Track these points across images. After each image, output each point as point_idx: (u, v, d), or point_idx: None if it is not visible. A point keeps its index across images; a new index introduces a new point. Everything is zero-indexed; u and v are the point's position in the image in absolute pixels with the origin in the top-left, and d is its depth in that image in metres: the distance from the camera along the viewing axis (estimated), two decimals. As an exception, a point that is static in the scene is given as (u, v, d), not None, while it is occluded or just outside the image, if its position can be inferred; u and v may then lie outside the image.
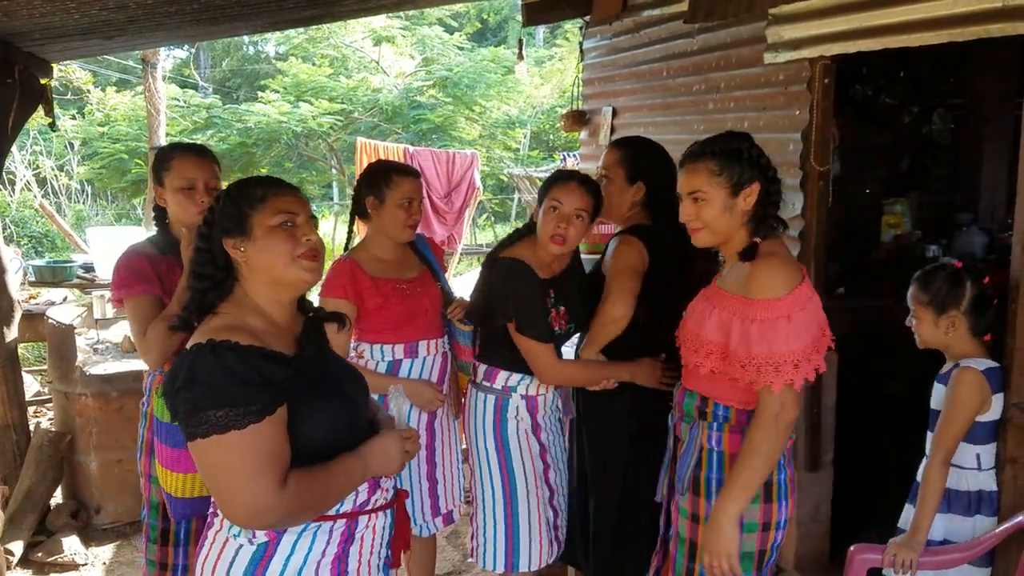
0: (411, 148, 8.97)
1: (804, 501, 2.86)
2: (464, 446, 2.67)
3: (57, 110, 4.44)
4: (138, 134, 11.78)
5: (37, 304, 4.89)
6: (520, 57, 6.00)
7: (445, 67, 13.61)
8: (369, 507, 1.61)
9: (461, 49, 14.87)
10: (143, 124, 10.51)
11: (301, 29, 13.38)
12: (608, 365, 2.43)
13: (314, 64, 13.87)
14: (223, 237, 1.55)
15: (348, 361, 2.06)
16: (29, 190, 12.05)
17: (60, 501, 3.99)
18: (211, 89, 16.74)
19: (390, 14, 13.74)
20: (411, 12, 14.80)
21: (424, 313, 2.64)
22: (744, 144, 1.92)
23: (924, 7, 2.45)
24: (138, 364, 3.74)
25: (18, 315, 4.05)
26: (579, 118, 4.88)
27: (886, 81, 4.76)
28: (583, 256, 2.69)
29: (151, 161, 3.74)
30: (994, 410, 2.23)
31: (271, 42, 19.65)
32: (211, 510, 1.60)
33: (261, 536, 1.51)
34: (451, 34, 15.70)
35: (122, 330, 4.31)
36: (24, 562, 3.58)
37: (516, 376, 2.47)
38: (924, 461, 2.31)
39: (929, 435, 2.30)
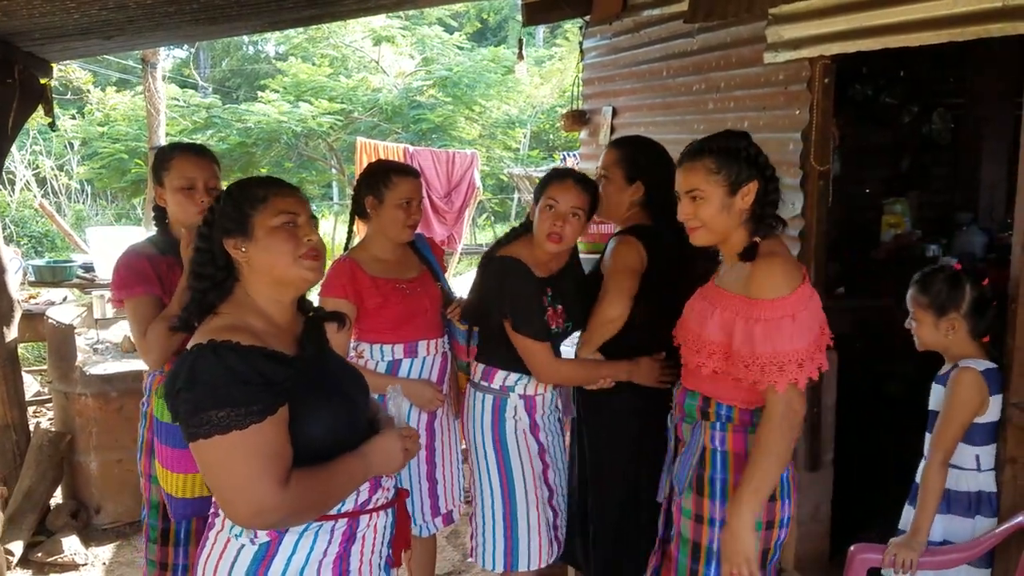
0: (411, 148, 8.97)
1: (804, 501, 2.86)
2: (464, 446, 2.67)
3: (57, 110, 4.44)
4: (138, 134, 11.78)
5: (37, 304, 4.89)
6: (520, 57, 6.00)
7: (445, 67, 13.61)
8: (370, 506, 1.62)
9: (461, 49, 14.86)
10: (143, 124, 10.50)
11: (301, 29, 13.38)
12: (606, 364, 2.43)
13: (314, 64, 13.86)
14: (224, 237, 1.56)
15: (348, 361, 2.06)
16: (29, 190, 12.05)
17: (60, 501, 3.99)
18: (211, 89, 16.73)
19: (390, 14, 13.74)
20: (411, 12, 14.80)
21: (424, 313, 2.64)
22: (742, 143, 1.92)
23: (924, 7, 2.45)
24: (138, 364, 3.74)
25: (18, 315, 4.05)
26: (579, 118, 4.88)
27: (886, 81, 4.76)
28: (583, 256, 2.69)
29: (151, 161, 3.74)
30: (991, 412, 2.23)
31: (271, 42, 19.66)
32: (212, 510, 1.60)
33: (263, 536, 1.51)
34: (451, 34, 15.70)
35: (122, 330, 4.31)
36: (24, 562, 3.58)
37: (514, 376, 2.47)
38: (923, 462, 2.31)
39: (928, 436, 2.31)
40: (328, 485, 1.49)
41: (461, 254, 9.46)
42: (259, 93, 13.44)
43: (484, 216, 13.96)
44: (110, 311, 4.45)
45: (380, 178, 2.60)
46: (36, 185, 12.31)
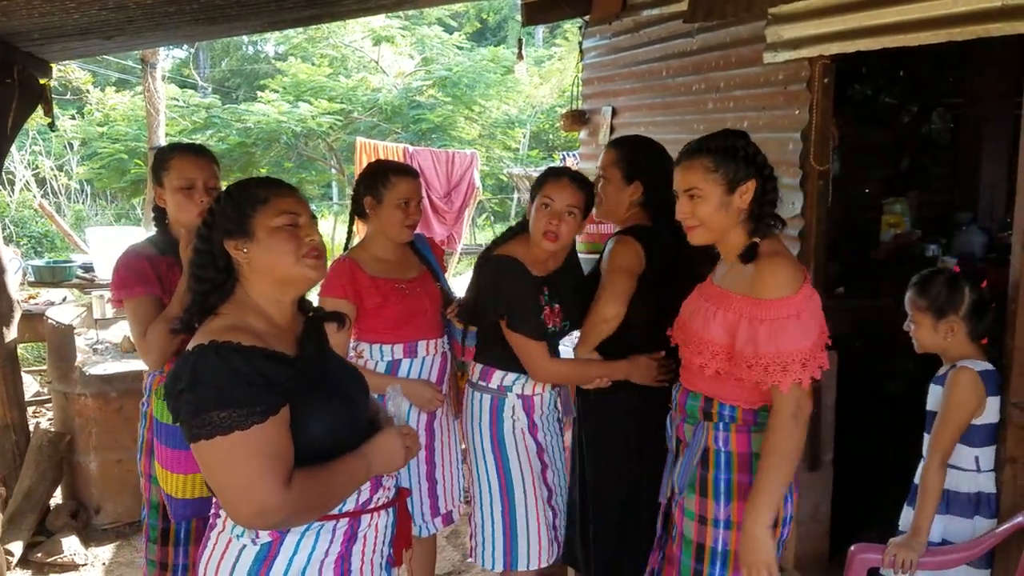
0: (411, 148, 8.97)
1: (804, 501, 2.86)
2: (464, 446, 2.67)
3: (56, 110, 4.44)
4: (137, 134, 11.77)
5: (37, 304, 4.89)
6: (519, 57, 6.01)
7: (444, 67, 13.60)
8: (371, 506, 1.62)
9: (460, 49, 14.86)
10: (142, 124, 10.49)
11: (300, 29, 13.37)
12: (602, 364, 2.43)
13: (313, 64, 13.85)
14: (224, 238, 1.55)
15: (348, 361, 2.06)
16: (28, 190, 12.04)
17: (60, 501, 3.99)
18: (210, 89, 16.71)
19: (389, 14, 13.73)
20: (410, 12, 14.80)
21: (423, 313, 2.64)
22: (740, 142, 1.92)
23: (923, 7, 2.45)
24: (138, 364, 3.74)
25: (18, 315, 4.05)
26: (578, 118, 4.88)
27: (885, 81, 4.77)
28: (583, 256, 2.69)
29: (150, 161, 3.74)
30: (990, 413, 2.23)
31: (270, 42, 19.65)
32: (213, 511, 1.60)
33: (264, 536, 1.51)
34: (450, 34, 15.69)
35: (121, 330, 4.31)
36: (24, 562, 3.58)
37: (512, 375, 2.47)
38: (922, 463, 2.31)
39: (926, 437, 2.31)
40: (330, 485, 1.49)
41: (461, 254, 9.46)
42: (259, 93, 13.43)
43: (484, 216, 13.96)
44: (110, 311, 4.44)
45: (379, 178, 2.60)
46: (36, 185, 12.30)
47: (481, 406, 2.50)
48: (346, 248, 2.73)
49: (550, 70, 15.45)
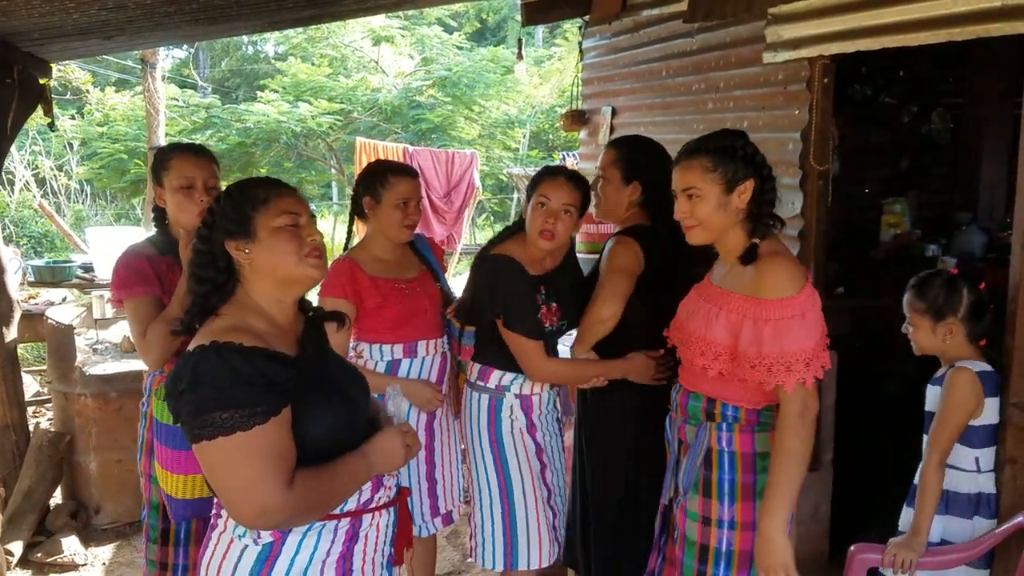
0: (410, 148, 8.96)
1: (804, 501, 2.86)
2: (463, 446, 2.67)
3: (56, 110, 4.44)
4: (137, 134, 11.76)
5: (36, 304, 4.90)
6: (519, 57, 6.01)
7: (444, 67, 13.59)
8: (373, 505, 1.62)
9: (460, 49, 14.85)
10: (142, 124, 10.48)
11: (300, 29, 13.37)
12: (599, 363, 2.43)
13: (313, 64, 13.84)
14: (225, 239, 1.55)
15: (348, 361, 2.06)
16: (28, 190, 12.03)
17: (59, 501, 3.99)
18: (210, 89, 16.71)
19: (389, 14, 13.73)
20: (410, 12, 14.79)
21: (423, 313, 2.64)
22: (739, 142, 1.92)
23: (923, 7, 2.45)
24: (138, 364, 3.74)
25: (17, 315, 4.05)
26: (578, 118, 4.88)
27: (885, 81, 4.77)
28: (583, 256, 2.69)
29: (150, 161, 3.73)
30: (989, 414, 2.23)
31: (270, 42, 19.64)
32: (214, 511, 1.60)
33: (266, 536, 1.51)
34: (450, 34, 15.68)
35: (121, 330, 4.31)
36: (23, 562, 3.58)
37: (509, 375, 2.46)
38: (921, 464, 2.31)
39: (925, 438, 2.31)
40: (331, 485, 1.50)
41: (461, 254, 9.45)
42: (258, 93, 13.43)
43: (484, 216, 13.96)
44: (109, 311, 4.44)
45: (377, 178, 2.59)
46: (35, 185, 12.29)
47: (479, 406, 2.50)
48: (346, 248, 2.73)
49: (550, 70, 15.44)
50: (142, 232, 5.85)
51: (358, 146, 8.68)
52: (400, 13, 14.15)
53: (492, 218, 14.23)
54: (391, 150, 8.68)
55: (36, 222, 11.82)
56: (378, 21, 13.78)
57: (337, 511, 1.55)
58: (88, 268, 5.47)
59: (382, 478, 1.64)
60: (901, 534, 2.30)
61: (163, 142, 8.91)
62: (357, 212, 2.69)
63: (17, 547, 3.56)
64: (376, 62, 14.60)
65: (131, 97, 13.36)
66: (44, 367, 4.92)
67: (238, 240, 1.55)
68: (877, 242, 4.65)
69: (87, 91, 12.60)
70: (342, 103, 12.56)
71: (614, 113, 4.48)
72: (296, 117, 11.69)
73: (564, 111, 5.07)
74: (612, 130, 4.44)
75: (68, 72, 11.18)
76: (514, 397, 2.48)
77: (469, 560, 2.98)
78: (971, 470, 2.26)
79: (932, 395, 2.33)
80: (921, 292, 2.32)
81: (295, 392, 1.47)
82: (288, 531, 1.51)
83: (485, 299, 2.42)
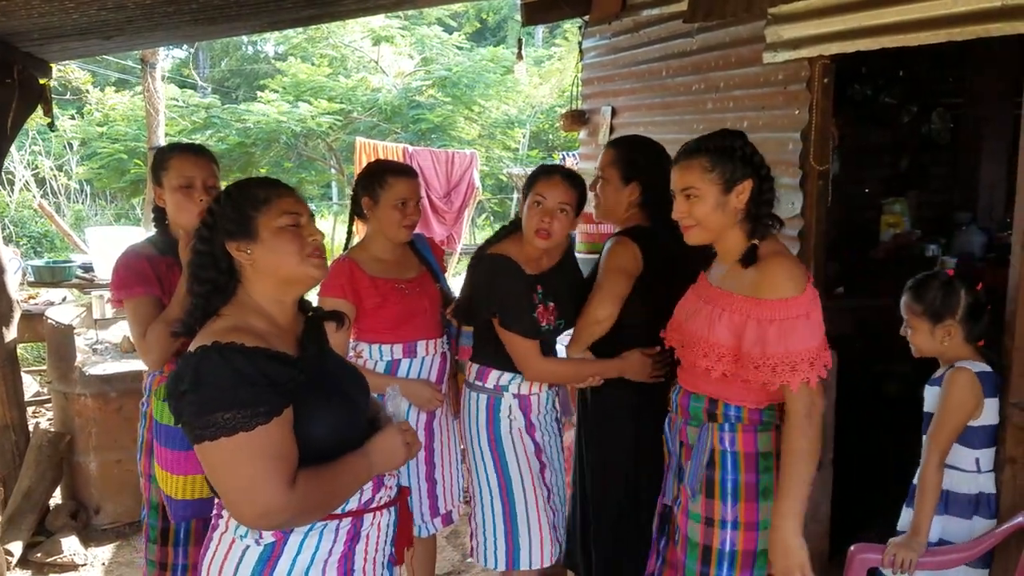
0: (410, 148, 8.96)
1: (804, 501, 2.86)
2: (463, 446, 2.67)
3: (56, 110, 4.44)
4: (137, 134, 11.76)
5: (36, 304, 4.89)
6: (519, 57, 6.01)
7: (444, 67, 13.59)
8: (374, 505, 1.62)
9: (460, 49, 14.85)
10: (142, 124, 10.48)
11: (300, 29, 13.36)
12: (595, 362, 2.43)
13: (313, 64, 13.84)
14: (226, 240, 1.55)
15: (348, 361, 2.05)
16: (28, 190, 12.02)
17: (59, 501, 3.99)
18: (210, 89, 16.70)
19: (389, 14, 13.73)
20: (410, 12, 14.79)
21: (423, 313, 2.64)
22: (737, 142, 1.92)
23: (923, 6, 2.45)
24: (137, 364, 3.74)
25: (17, 315, 4.05)
26: (578, 118, 4.88)
27: (885, 80, 4.77)
28: (584, 256, 2.69)
29: (150, 161, 3.73)
30: (988, 415, 2.23)
31: (270, 42, 19.63)
32: (215, 511, 1.60)
33: (268, 536, 1.51)
34: (450, 34, 15.68)
35: (121, 330, 4.31)
36: (23, 562, 3.58)
37: (508, 375, 2.46)
38: (920, 464, 2.31)
39: (924, 438, 2.31)
40: (333, 485, 1.50)
41: (460, 254, 9.45)
42: (258, 93, 13.42)
43: (483, 216, 13.96)
44: (109, 311, 4.44)
45: (376, 179, 2.59)
46: (35, 185, 12.29)
47: (478, 406, 2.50)
48: (346, 248, 2.73)
49: (550, 70, 15.44)
50: (142, 232, 5.84)
51: (358, 146, 8.68)
52: (400, 13, 14.14)
53: (492, 218, 14.23)
54: (391, 150, 8.68)
55: (36, 222, 11.82)
56: (378, 21, 13.78)
57: (338, 511, 1.55)
58: (88, 268, 5.46)
59: (383, 478, 1.64)
60: (900, 534, 2.30)
61: (163, 142, 8.91)
62: (356, 212, 2.69)
63: (17, 547, 3.56)
64: (376, 62, 14.60)
65: (131, 97, 13.36)
66: (44, 367, 4.92)
67: (239, 241, 1.55)
68: (877, 242, 4.65)
69: (87, 91, 12.60)
70: (342, 103, 12.56)
71: (614, 113, 4.48)
72: (296, 117, 11.69)
73: (564, 111, 5.07)
74: (612, 130, 4.44)
75: (68, 72, 11.18)
76: (512, 397, 2.48)
77: (469, 560, 2.98)
78: (971, 470, 2.26)
79: (931, 396, 2.33)
80: (918, 295, 2.32)
81: (297, 392, 1.47)
82: (290, 531, 1.51)
83: (481, 298, 2.42)
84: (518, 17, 6.04)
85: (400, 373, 2.61)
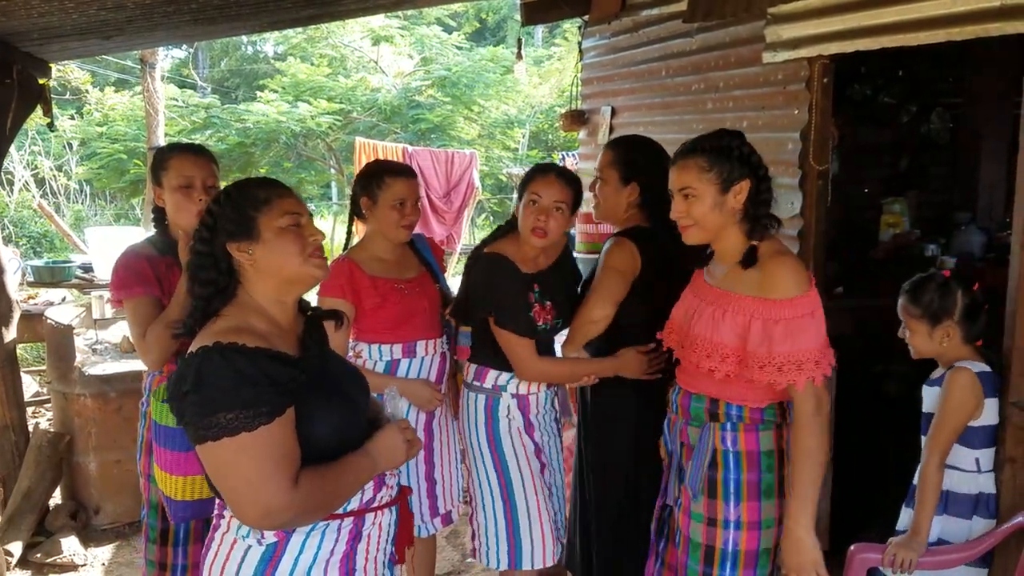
0: (410, 148, 8.97)
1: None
2: (462, 446, 2.67)
3: (55, 110, 4.44)
4: (137, 134, 11.75)
5: (36, 304, 4.89)
6: (519, 57, 6.01)
7: (444, 67, 13.59)
8: (375, 504, 1.62)
9: (460, 49, 14.84)
10: (142, 124, 10.48)
11: (299, 29, 13.36)
12: (590, 362, 2.43)
13: (312, 64, 13.83)
14: (227, 240, 1.55)
15: (348, 361, 2.06)
16: (28, 190, 12.02)
17: (59, 502, 3.99)
18: (210, 89, 16.70)
19: (388, 14, 13.73)
20: (409, 12, 14.79)
21: (422, 313, 2.64)
22: (735, 142, 1.92)
23: (922, 6, 2.45)
24: (137, 364, 3.73)
25: (17, 315, 4.05)
26: (578, 118, 4.88)
27: (884, 80, 4.77)
28: (584, 256, 2.69)
29: (149, 161, 3.73)
30: (988, 415, 2.23)
31: (269, 42, 19.62)
32: (217, 512, 1.60)
33: (270, 536, 1.51)
34: (450, 34, 15.67)
35: (121, 330, 4.31)
36: (23, 563, 3.58)
37: (506, 375, 2.46)
38: (920, 464, 2.31)
39: (923, 439, 2.31)
40: (336, 484, 1.50)
41: (460, 254, 9.45)
42: (258, 93, 13.42)
43: (483, 216, 13.95)
44: (109, 311, 4.44)
45: (374, 179, 2.59)
46: (35, 185, 12.28)
47: (476, 406, 2.50)
48: (345, 248, 2.73)
49: (549, 70, 15.44)
50: (141, 232, 5.84)
51: (357, 146, 8.68)
52: (399, 13, 14.15)
53: (492, 218, 14.21)
54: (390, 150, 8.68)
55: (35, 222, 11.81)
56: (377, 21, 13.78)
57: (340, 511, 1.55)
58: (87, 268, 5.46)
59: (384, 477, 1.64)
60: (900, 534, 2.30)
61: (162, 142, 8.91)
62: (356, 212, 2.69)
63: (16, 547, 3.56)
64: (375, 62, 14.60)
65: (130, 97, 13.36)
66: (43, 367, 4.92)
67: (240, 241, 1.55)
68: (876, 242, 4.65)
69: (86, 91, 12.60)
70: (341, 103, 12.55)
71: (613, 113, 4.48)
72: (295, 117, 11.69)
73: (563, 111, 5.07)
74: (611, 130, 4.44)
75: (67, 72, 11.18)
76: (511, 397, 2.48)
77: (469, 560, 2.98)
78: (971, 470, 2.26)
79: (929, 396, 2.33)
80: (915, 297, 2.31)
81: (298, 392, 1.47)
82: (292, 531, 1.51)
83: (478, 297, 2.42)
84: (518, 17, 6.04)
85: (400, 373, 2.61)
